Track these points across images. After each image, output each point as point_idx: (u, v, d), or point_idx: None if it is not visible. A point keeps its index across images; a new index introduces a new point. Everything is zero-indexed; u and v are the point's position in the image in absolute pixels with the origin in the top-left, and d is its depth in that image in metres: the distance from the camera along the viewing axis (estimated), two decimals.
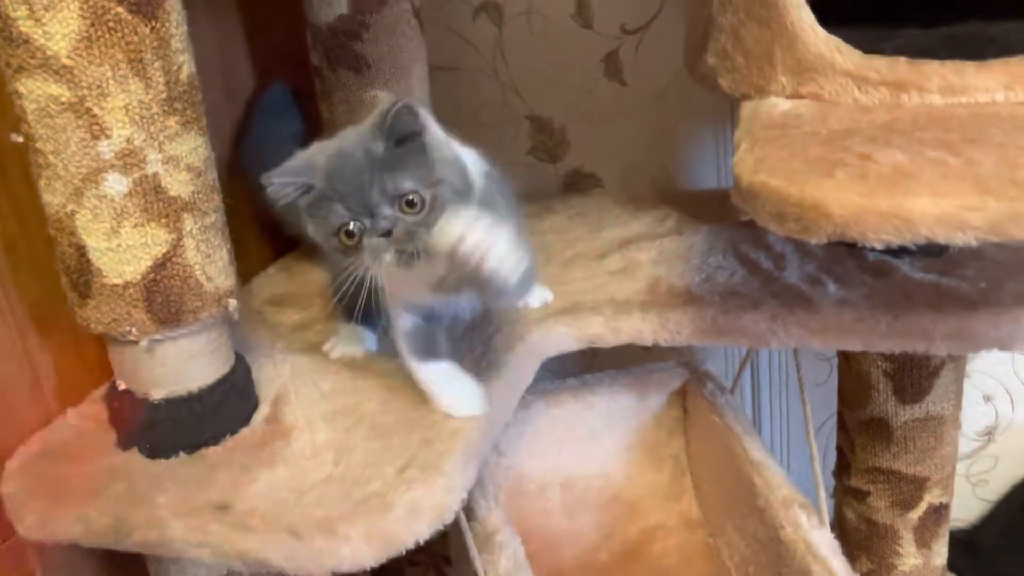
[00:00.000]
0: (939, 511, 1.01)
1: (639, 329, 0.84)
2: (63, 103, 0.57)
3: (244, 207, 1.00)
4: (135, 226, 0.60)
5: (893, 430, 0.96)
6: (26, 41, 0.55)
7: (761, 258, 0.92)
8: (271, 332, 0.88)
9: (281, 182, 0.61)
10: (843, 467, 1.06)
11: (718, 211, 1.08)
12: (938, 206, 0.50)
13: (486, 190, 0.67)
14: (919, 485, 0.99)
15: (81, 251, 0.61)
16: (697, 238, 1.01)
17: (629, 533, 1.07)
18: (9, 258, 0.72)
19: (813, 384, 1.31)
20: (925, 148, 0.56)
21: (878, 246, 0.52)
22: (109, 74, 0.57)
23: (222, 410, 0.69)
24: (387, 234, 0.60)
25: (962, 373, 0.96)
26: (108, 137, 0.58)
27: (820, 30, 0.69)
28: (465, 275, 0.64)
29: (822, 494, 0.90)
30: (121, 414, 0.68)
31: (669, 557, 1.04)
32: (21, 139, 0.61)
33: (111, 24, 0.56)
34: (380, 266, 0.61)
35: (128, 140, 0.58)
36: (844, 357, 1.00)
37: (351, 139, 0.63)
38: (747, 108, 0.74)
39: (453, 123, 1.19)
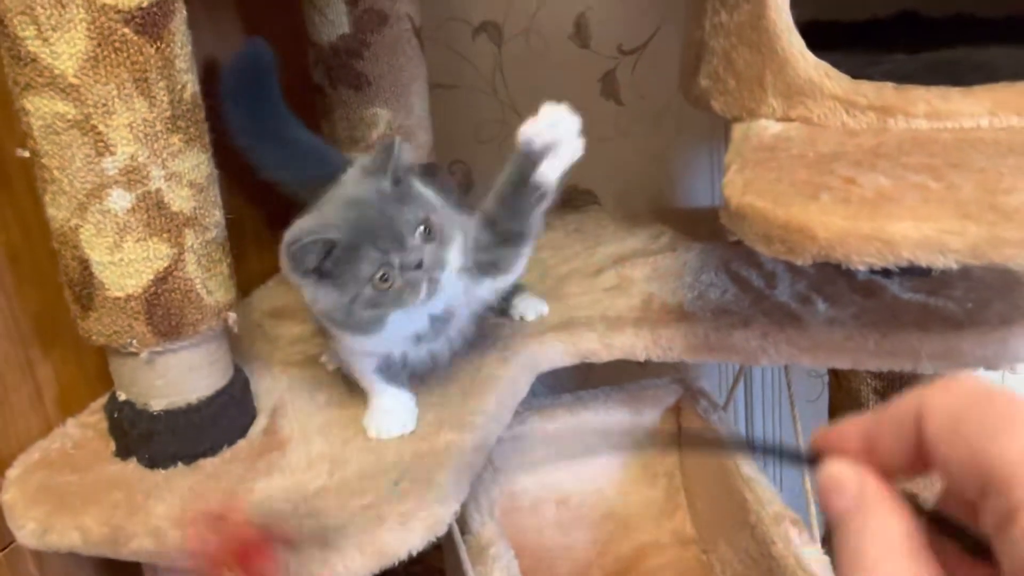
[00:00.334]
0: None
1: (632, 345, 0.86)
2: (69, 120, 0.58)
3: (244, 220, 1.01)
4: (137, 241, 0.62)
5: (915, 502, 0.97)
6: (34, 60, 0.57)
7: (753, 276, 0.93)
8: (270, 345, 0.89)
9: (308, 243, 0.60)
10: None
11: (711, 229, 1.09)
12: (919, 230, 0.51)
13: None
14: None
15: (84, 264, 0.62)
16: (690, 256, 1.02)
17: (623, 549, 1.08)
18: (13, 269, 0.73)
19: (805, 401, 1.33)
20: (908, 172, 0.58)
21: (862, 268, 0.54)
22: (115, 92, 0.58)
23: (220, 422, 0.70)
24: (419, 266, 0.62)
25: None
26: (113, 154, 0.59)
27: (810, 55, 0.71)
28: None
29: (813, 511, 0.91)
30: (121, 424, 0.69)
31: (662, 573, 1.05)
32: (27, 154, 0.63)
33: (117, 44, 0.57)
34: (417, 299, 0.63)
35: (132, 157, 0.60)
36: (835, 375, 1.02)
37: (356, 188, 0.65)
38: (738, 130, 0.76)
39: (452, 140, 1.21)
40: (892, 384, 0.94)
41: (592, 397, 1.08)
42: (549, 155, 0.68)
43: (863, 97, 0.69)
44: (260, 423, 0.74)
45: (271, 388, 0.80)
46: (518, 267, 0.74)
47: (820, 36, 0.76)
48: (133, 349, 0.65)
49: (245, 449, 0.71)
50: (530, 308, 0.90)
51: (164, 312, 0.64)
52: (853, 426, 0.28)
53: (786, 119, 0.73)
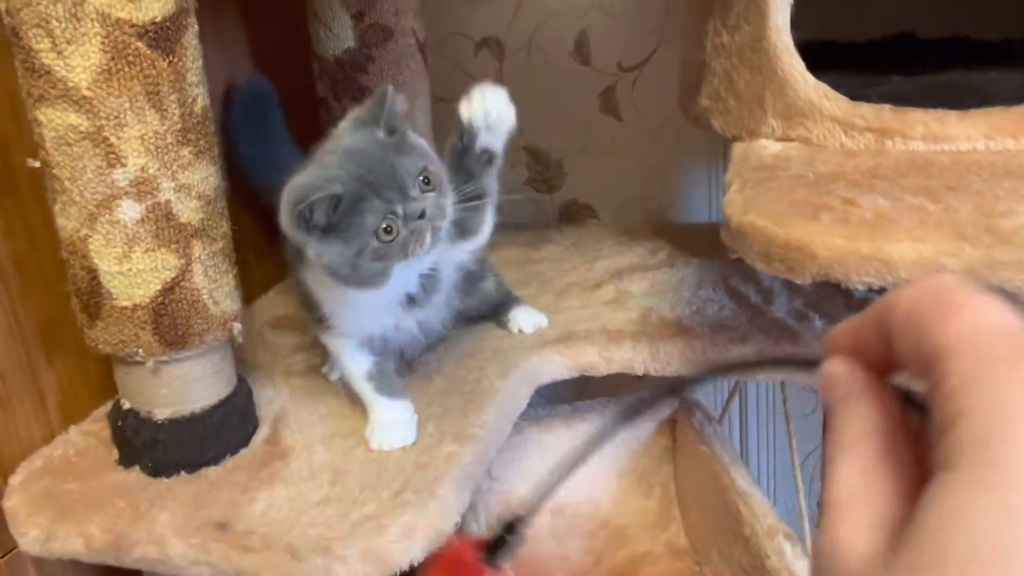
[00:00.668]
0: None
1: (630, 359, 0.87)
2: (81, 132, 0.59)
3: (247, 231, 1.02)
4: (146, 251, 0.63)
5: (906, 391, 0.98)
6: (48, 72, 0.58)
7: (750, 292, 0.95)
8: (271, 355, 0.90)
9: (316, 201, 0.58)
10: None
11: (709, 244, 1.10)
12: (917, 251, 0.52)
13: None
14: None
15: (93, 274, 0.63)
16: (688, 271, 1.03)
17: (617, 560, 1.08)
18: (19, 277, 0.74)
19: (800, 415, 1.33)
20: (906, 194, 0.59)
21: (860, 287, 0.55)
22: (127, 105, 0.59)
23: (223, 431, 0.71)
24: (422, 215, 0.62)
25: None
26: (123, 166, 0.60)
27: (809, 77, 0.72)
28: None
29: (806, 525, 0.92)
30: (124, 432, 0.70)
31: None
32: (37, 164, 0.63)
33: (131, 58, 0.58)
34: (423, 248, 0.62)
35: (143, 169, 0.61)
36: None
37: (353, 139, 0.64)
38: (738, 149, 0.77)
39: None
40: None
41: (588, 408, 1.09)
42: (489, 129, 0.72)
43: (861, 119, 0.70)
44: (262, 433, 0.75)
45: (273, 398, 0.80)
46: (484, 228, 0.74)
47: (818, 56, 0.77)
48: (139, 358, 0.66)
49: (247, 458, 0.71)
50: (529, 321, 0.91)
51: (171, 322, 0.65)
52: (846, 327, 0.30)
53: (786, 139, 0.74)
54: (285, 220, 0.61)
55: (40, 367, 0.76)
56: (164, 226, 0.63)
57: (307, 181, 0.60)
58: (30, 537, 0.66)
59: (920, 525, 0.23)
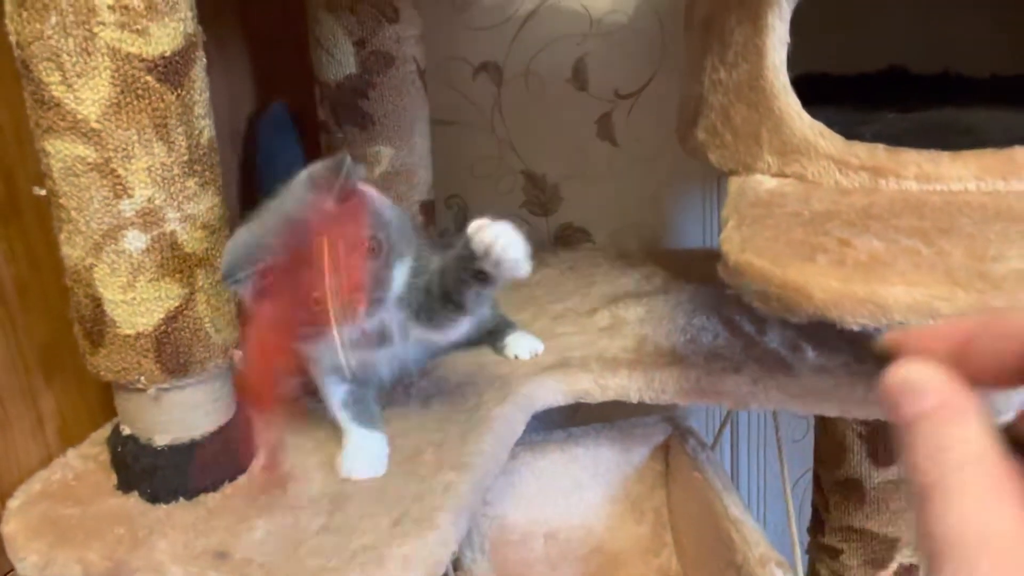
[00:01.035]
0: (909, 571, 1.04)
1: (625, 386, 0.87)
2: (89, 163, 0.60)
3: None
4: (150, 280, 0.63)
5: (867, 491, 0.99)
6: (57, 104, 0.58)
7: (744, 321, 0.96)
8: None
9: (241, 280, 0.59)
10: (817, 525, 1.09)
11: (703, 271, 1.11)
12: (911, 294, 0.54)
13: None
14: (891, 545, 1.02)
15: (97, 302, 0.64)
16: (683, 298, 1.04)
17: None
18: (21, 301, 0.74)
19: (790, 440, 1.35)
20: (900, 236, 0.60)
21: (855, 328, 0.56)
22: (135, 138, 0.60)
23: (222, 458, 0.71)
24: None
25: None
26: (130, 196, 0.61)
27: (805, 115, 0.74)
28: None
29: (798, 553, 0.93)
30: (124, 458, 0.70)
31: None
32: (43, 193, 0.64)
33: (140, 91, 0.59)
34: (354, 320, 0.60)
35: (149, 200, 0.61)
36: (821, 419, 1.04)
37: (296, 200, 0.62)
38: (734, 183, 0.78)
39: (450, 175, 1.23)
40: (877, 429, 0.96)
41: (583, 434, 1.10)
42: (495, 264, 0.66)
43: (856, 158, 0.71)
44: (260, 459, 0.75)
45: (269, 424, 0.81)
46: (449, 333, 0.73)
47: (811, 90, 0.78)
48: (141, 385, 0.66)
49: (246, 486, 0.72)
50: (524, 347, 0.91)
51: (173, 350, 0.65)
52: (945, 330, 0.27)
53: (781, 175, 0.76)
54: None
55: (39, 390, 0.77)
56: (169, 256, 0.63)
57: (240, 245, 0.60)
58: (28, 562, 0.66)
59: None
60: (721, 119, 0.80)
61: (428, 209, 1.07)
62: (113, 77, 0.58)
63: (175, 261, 0.64)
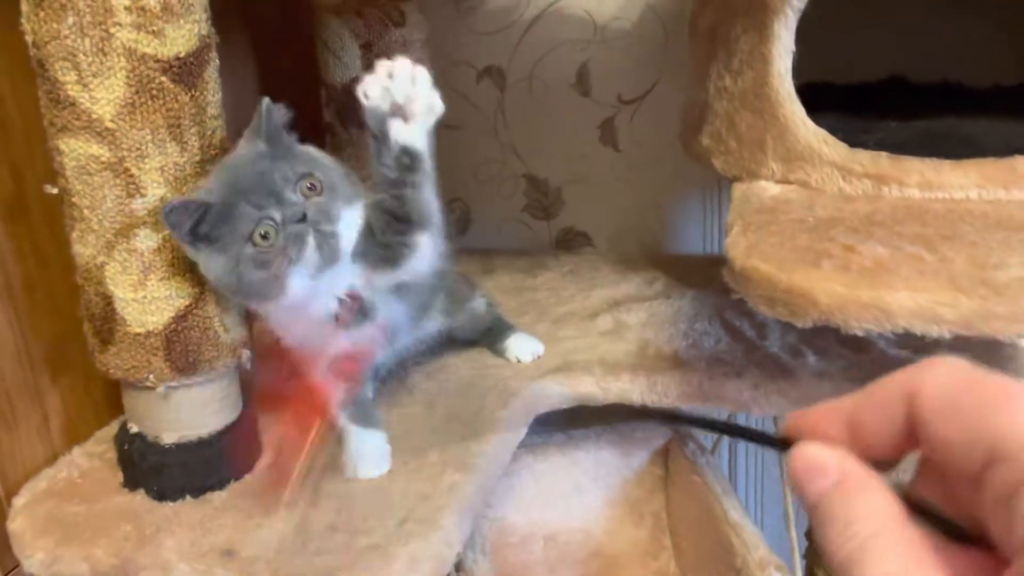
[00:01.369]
0: None
1: (628, 390, 0.88)
2: (103, 163, 0.60)
3: None
4: (161, 279, 0.64)
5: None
6: (72, 104, 0.59)
7: (745, 326, 0.96)
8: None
9: (178, 205, 0.58)
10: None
11: (704, 276, 1.12)
12: (915, 300, 0.54)
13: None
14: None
15: (107, 300, 0.64)
16: (684, 302, 1.05)
17: None
18: (28, 299, 0.75)
19: None
20: (904, 243, 0.61)
21: (860, 333, 0.57)
22: (149, 137, 0.60)
23: (229, 456, 0.72)
24: (302, 219, 0.60)
25: None
26: (143, 196, 0.61)
27: (809, 123, 0.74)
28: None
29: (797, 558, 0.93)
30: (131, 455, 0.70)
31: None
32: (55, 191, 0.64)
33: (154, 92, 0.59)
34: (304, 253, 0.60)
35: (161, 199, 0.62)
36: None
37: (233, 154, 0.64)
38: (738, 189, 0.79)
39: (452, 178, 1.24)
40: None
41: (583, 437, 1.10)
42: (401, 116, 0.62)
43: (859, 165, 0.72)
44: (266, 459, 0.76)
45: (275, 423, 0.81)
46: (413, 260, 0.68)
47: (813, 98, 0.79)
48: (150, 384, 0.67)
49: (252, 484, 0.72)
50: (525, 350, 0.92)
51: (183, 348, 0.66)
52: (832, 409, 0.28)
53: (785, 181, 0.77)
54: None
55: (45, 388, 0.77)
56: (180, 255, 0.64)
57: (181, 197, 0.60)
58: (35, 560, 0.66)
59: None
60: (726, 126, 0.81)
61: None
62: (128, 77, 0.59)
63: (186, 260, 0.64)
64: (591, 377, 0.88)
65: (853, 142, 0.75)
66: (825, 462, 0.27)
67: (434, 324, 0.87)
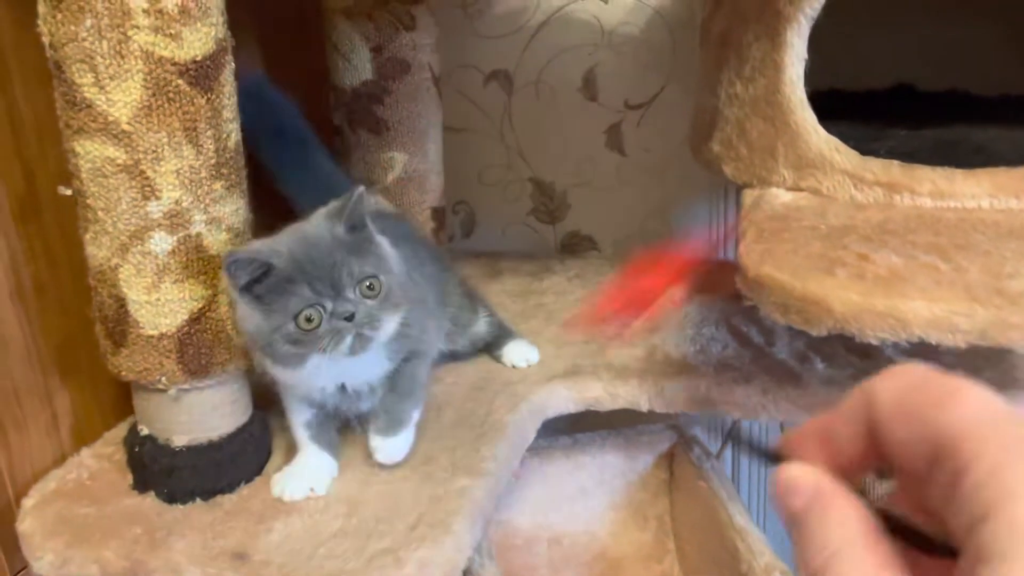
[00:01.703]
0: None
1: (635, 395, 0.88)
2: (119, 165, 0.60)
3: None
4: (175, 282, 0.64)
5: (870, 502, 1.00)
6: (89, 106, 0.59)
7: (752, 332, 0.97)
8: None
9: (243, 258, 0.61)
10: None
11: (710, 282, 1.12)
12: (930, 310, 0.54)
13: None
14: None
15: (121, 303, 0.64)
16: (690, 308, 1.05)
17: None
18: (39, 301, 0.75)
19: None
20: (917, 251, 0.61)
21: (874, 342, 0.57)
22: (165, 140, 0.60)
23: (239, 459, 0.72)
24: (349, 318, 0.62)
25: None
26: (158, 198, 0.61)
27: (821, 130, 0.75)
28: None
29: None
30: (141, 458, 0.70)
31: None
32: (69, 192, 0.64)
33: (171, 95, 0.59)
34: (339, 349, 0.63)
35: (176, 202, 0.62)
36: None
37: (313, 226, 0.66)
38: (749, 196, 0.79)
39: (458, 181, 1.24)
40: None
41: (588, 441, 1.11)
42: None
43: (871, 173, 0.72)
44: (275, 461, 0.76)
45: (284, 426, 0.81)
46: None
47: (822, 106, 0.79)
48: (162, 386, 0.67)
49: (262, 488, 0.72)
50: (520, 356, 0.92)
51: (195, 351, 0.66)
52: (810, 426, 0.29)
53: (796, 189, 0.77)
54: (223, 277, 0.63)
55: (54, 389, 0.77)
56: (194, 258, 0.64)
57: (250, 245, 0.63)
58: (45, 561, 0.66)
59: None
60: (737, 132, 0.81)
61: (439, 215, 1.08)
62: (145, 80, 0.59)
63: (200, 263, 0.64)
64: (599, 382, 0.88)
65: (864, 150, 0.76)
66: (800, 481, 0.28)
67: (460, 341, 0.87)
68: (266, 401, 0.83)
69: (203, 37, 0.60)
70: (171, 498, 0.70)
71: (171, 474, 0.69)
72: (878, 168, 0.72)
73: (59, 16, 0.57)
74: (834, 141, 0.74)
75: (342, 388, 0.71)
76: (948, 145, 0.81)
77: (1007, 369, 0.83)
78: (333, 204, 0.66)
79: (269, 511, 0.69)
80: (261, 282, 0.62)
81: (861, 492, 0.28)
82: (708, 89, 0.88)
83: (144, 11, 0.57)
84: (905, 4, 1.07)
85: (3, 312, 0.71)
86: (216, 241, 0.65)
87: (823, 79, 0.87)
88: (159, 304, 0.64)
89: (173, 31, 0.58)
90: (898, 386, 0.26)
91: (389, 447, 0.72)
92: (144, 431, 0.70)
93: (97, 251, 0.64)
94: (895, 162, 0.72)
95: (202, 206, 0.63)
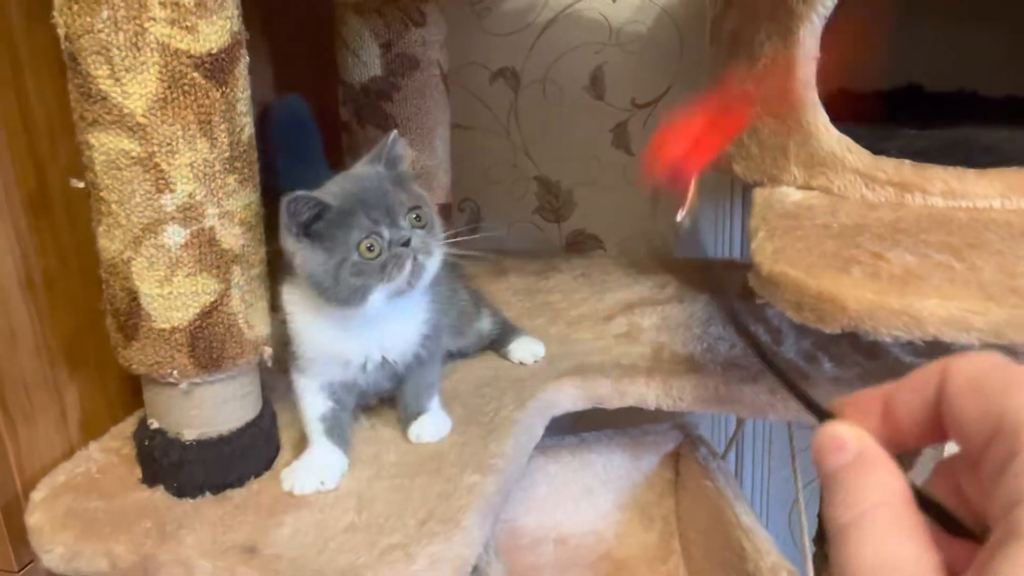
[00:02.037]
0: None
1: (643, 393, 0.88)
2: (133, 157, 0.60)
3: None
4: (187, 275, 0.63)
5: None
6: (104, 98, 0.59)
7: (759, 331, 0.97)
8: (286, 376, 0.90)
9: (301, 197, 0.63)
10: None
11: (715, 281, 1.13)
12: (945, 308, 0.55)
13: None
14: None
15: (133, 296, 0.64)
16: (697, 307, 1.05)
17: None
18: (48, 294, 0.74)
19: (798, 450, 1.35)
20: (931, 250, 0.61)
21: (888, 340, 0.57)
22: (179, 133, 0.60)
23: (249, 453, 0.71)
24: (406, 243, 0.65)
25: (942, 452, 1.00)
26: (172, 191, 0.61)
27: (833, 129, 0.75)
28: None
29: (810, 565, 0.93)
30: (151, 451, 0.70)
31: None
32: (81, 185, 0.64)
33: (186, 87, 0.59)
34: (400, 275, 0.65)
35: (190, 195, 0.62)
36: None
37: (358, 168, 0.70)
38: (760, 195, 0.79)
39: (464, 179, 1.24)
40: None
41: (595, 440, 1.11)
42: None
43: (883, 172, 0.73)
44: (285, 456, 0.76)
45: (293, 421, 0.81)
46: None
47: (833, 106, 0.79)
48: (173, 380, 0.66)
49: (271, 482, 0.72)
50: (527, 352, 0.92)
51: (207, 345, 0.66)
52: (873, 392, 0.30)
53: (807, 187, 0.77)
54: (281, 224, 0.64)
55: (63, 383, 0.77)
56: (207, 251, 0.64)
57: (309, 193, 0.65)
58: (55, 555, 0.66)
59: None
60: (747, 131, 0.81)
61: (446, 212, 1.08)
62: (161, 72, 0.58)
63: (212, 256, 0.64)
64: (607, 379, 0.88)
65: (873, 150, 0.76)
66: (846, 438, 0.28)
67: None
68: (275, 396, 0.83)
69: (219, 30, 0.60)
70: (181, 492, 0.70)
71: (181, 468, 0.69)
72: (890, 167, 0.73)
73: (75, 7, 0.57)
74: (846, 140, 0.74)
75: (382, 362, 0.73)
76: (957, 145, 0.81)
77: None
78: (371, 152, 0.70)
79: (279, 505, 0.69)
80: (318, 221, 0.64)
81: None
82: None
83: (160, 3, 0.57)
84: (913, 5, 1.07)
85: (13, 305, 0.71)
86: (229, 235, 0.65)
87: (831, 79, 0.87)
88: (171, 297, 0.64)
89: (189, 23, 0.58)
90: (974, 366, 0.27)
91: (428, 424, 0.77)
92: (154, 425, 0.70)
93: (110, 244, 0.63)
94: (907, 162, 0.73)
95: (215, 200, 0.63)
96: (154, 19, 0.57)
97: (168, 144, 0.60)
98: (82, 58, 0.58)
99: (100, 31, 0.57)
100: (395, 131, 0.69)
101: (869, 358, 0.89)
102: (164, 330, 0.65)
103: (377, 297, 0.66)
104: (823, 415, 0.31)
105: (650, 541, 1.11)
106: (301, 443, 0.77)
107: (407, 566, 0.62)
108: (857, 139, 0.77)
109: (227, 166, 0.63)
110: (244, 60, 0.64)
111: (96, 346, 0.77)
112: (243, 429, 0.71)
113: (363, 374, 0.74)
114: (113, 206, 0.62)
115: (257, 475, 0.72)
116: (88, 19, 0.57)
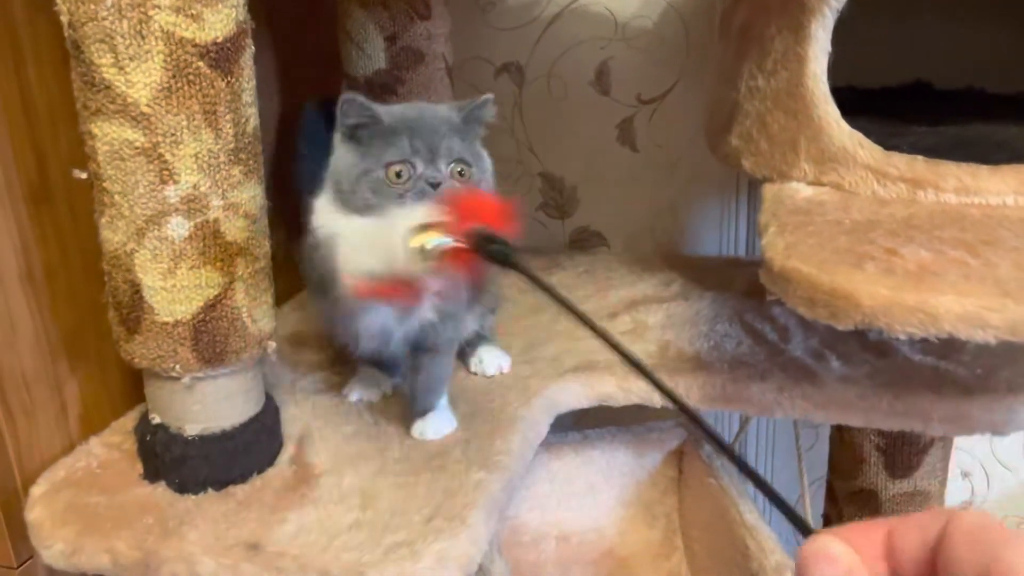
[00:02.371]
0: None
1: (649, 391, 0.87)
2: (137, 148, 0.59)
3: None
4: (191, 268, 0.63)
5: (882, 502, 1.00)
6: (108, 87, 0.58)
7: (766, 329, 0.96)
8: (291, 372, 0.89)
9: (358, 102, 0.64)
10: None
11: (720, 279, 1.12)
12: (961, 304, 0.54)
13: None
14: None
15: (136, 288, 0.63)
16: (702, 304, 1.05)
17: None
18: (49, 287, 0.73)
19: (802, 449, 1.35)
20: (945, 247, 0.60)
21: (902, 337, 0.56)
22: (184, 123, 0.59)
23: (251, 449, 0.71)
24: (435, 185, 0.64)
25: (949, 451, 1.00)
26: (176, 182, 0.60)
27: (844, 125, 0.74)
28: None
29: None
30: (152, 447, 0.69)
31: None
32: (84, 176, 0.63)
33: (191, 77, 0.58)
34: (415, 207, 0.62)
35: (195, 187, 0.61)
36: (837, 429, 1.04)
37: (438, 105, 0.70)
38: (769, 190, 0.78)
39: None
40: (894, 442, 0.97)
41: (598, 437, 1.10)
42: None
43: (895, 168, 0.72)
44: (287, 452, 0.75)
45: (296, 416, 0.80)
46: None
47: (844, 102, 0.79)
48: (175, 374, 0.66)
49: (274, 478, 0.71)
50: (491, 363, 0.89)
51: (210, 339, 0.65)
52: (875, 525, 0.31)
53: (817, 183, 0.76)
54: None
55: (64, 377, 0.76)
56: (211, 244, 0.63)
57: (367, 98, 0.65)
58: (55, 550, 0.65)
59: None
60: (757, 126, 0.81)
61: None
62: (165, 61, 0.57)
63: (216, 249, 0.63)
64: (612, 377, 0.87)
65: (885, 146, 0.75)
66: (839, 555, 0.29)
67: (470, 326, 0.85)
68: (277, 392, 0.83)
69: (224, 18, 0.59)
70: (183, 488, 0.69)
71: (183, 463, 0.68)
72: (902, 163, 0.72)
73: None
74: (857, 136, 0.74)
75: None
76: (968, 142, 0.80)
77: (1023, 369, 0.82)
78: (462, 101, 0.70)
79: (282, 502, 0.68)
80: (365, 129, 0.65)
81: None
82: (727, 82, 0.87)
83: None
84: (922, 2, 1.06)
85: (13, 297, 0.70)
86: (233, 228, 0.64)
87: (839, 76, 0.86)
88: (175, 290, 0.63)
89: (194, 11, 0.57)
90: (976, 519, 0.29)
91: (433, 421, 0.77)
92: (156, 420, 0.69)
93: (112, 235, 0.62)
94: (919, 157, 0.72)
95: (220, 191, 0.62)
96: (159, 7, 0.56)
97: (172, 134, 0.59)
98: (85, 46, 0.57)
99: (104, 19, 0.56)
100: (492, 95, 0.69)
101: (878, 356, 0.88)
102: (167, 323, 0.64)
103: (393, 214, 0.63)
104: (806, 529, 0.31)
105: (653, 539, 1.11)
106: (306, 439, 0.76)
107: (413, 564, 0.61)
108: (867, 135, 0.76)
109: (232, 157, 0.62)
110: (250, 50, 0.63)
111: (97, 340, 0.76)
112: (246, 424, 0.70)
113: (395, 344, 0.74)
114: (116, 197, 0.61)
115: (260, 471, 0.71)
116: (92, 6, 0.56)
